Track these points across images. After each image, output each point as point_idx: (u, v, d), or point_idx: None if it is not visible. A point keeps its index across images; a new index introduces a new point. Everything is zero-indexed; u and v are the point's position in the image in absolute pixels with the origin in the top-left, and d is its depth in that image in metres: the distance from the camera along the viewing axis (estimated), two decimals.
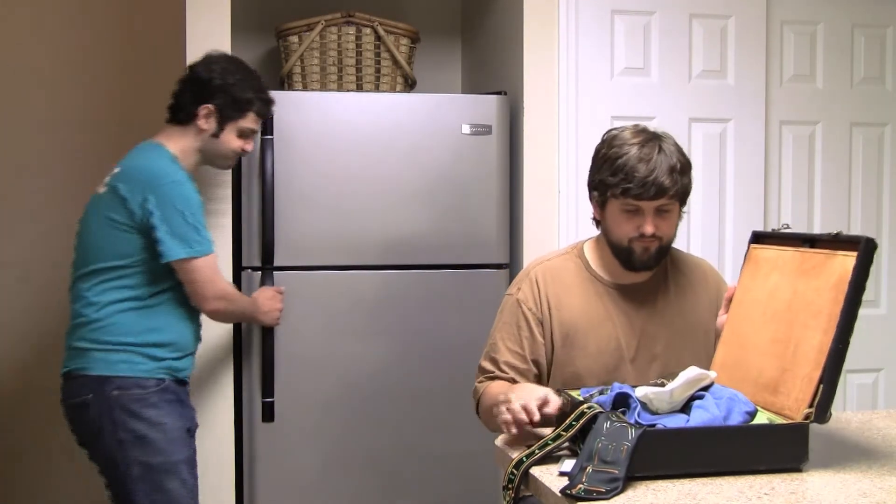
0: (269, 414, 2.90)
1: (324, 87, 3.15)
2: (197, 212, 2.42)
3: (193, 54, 2.85)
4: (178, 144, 2.51)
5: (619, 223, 2.05)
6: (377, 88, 3.17)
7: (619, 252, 2.08)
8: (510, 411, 1.80)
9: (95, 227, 2.45)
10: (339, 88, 3.15)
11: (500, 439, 1.93)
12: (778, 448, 1.64)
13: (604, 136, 2.11)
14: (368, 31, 3.15)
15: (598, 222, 2.15)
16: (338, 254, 2.97)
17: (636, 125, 2.10)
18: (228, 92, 2.51)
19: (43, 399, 3.29)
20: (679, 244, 2.23)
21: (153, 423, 2.40)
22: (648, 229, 2.02)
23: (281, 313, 2.82)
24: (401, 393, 3.02)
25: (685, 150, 2.12)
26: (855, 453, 1.79)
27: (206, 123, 2.51)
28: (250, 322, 2.84)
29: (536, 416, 1.78)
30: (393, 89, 3.19)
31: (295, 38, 3.13)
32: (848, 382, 3.40)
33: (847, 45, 3.36)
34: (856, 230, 3.38)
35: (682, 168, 2.03)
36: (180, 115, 2.53)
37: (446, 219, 3.02)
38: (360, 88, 3.16)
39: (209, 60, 2.56)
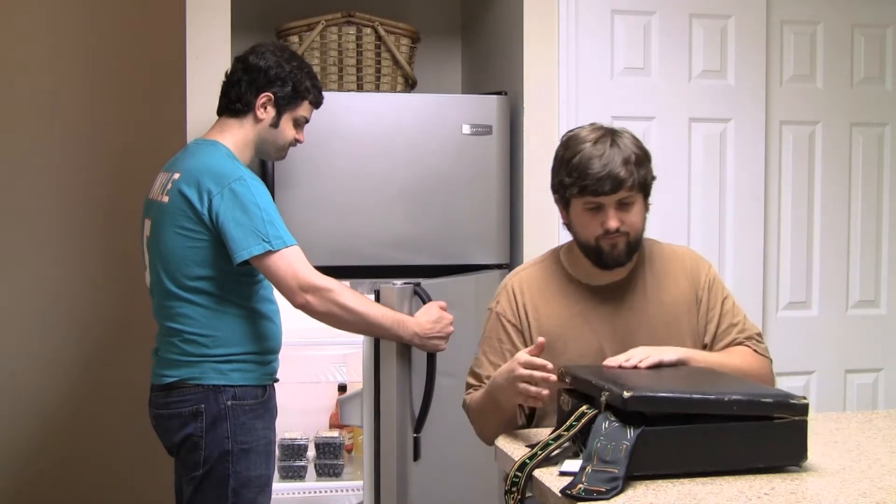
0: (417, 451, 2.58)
1: (324, 87, 3.12)
2: (268, 206, 2.30)
3: (193, 54, 2.85)
4: (235, 137, 2.43)
5: (583, 223, 2.04)
6: (377, 88, 3.17)
7: (589, 252, 2.07)
8: (521, 377, 1.85)
9: (168, 239, 2.34)
10: (340, 88, 3.15)
11: (500, 440, 1.93)
12: (777, 447, 1.64)
13: (562, 137, 2.11)
14: (369, 31, 3.15)
15: (568, 226, 2.14)
16: (337, 253, 2.96)
17: (593, 123, 2.10)
18: (286, 80, 2.44)
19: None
20: (679, 243, 2.23)
21: (260, 436, 2.35)
22: (612, 224, 2.00)
23: (447, 340, 2.45)
24: None
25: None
26: (855, 453, 1.79)
27: (264, 113, 2.44)
28: (399, 341, 2.44)
29: (548, 364, 1.84)
30: (393, 89, 3.19)
31: (295, 38, 3.13)
32: (848, 382, 3.39)
33: (847, 45, 3.35)
34: (856, 230, 3.39)
35: (638, 159, 2.01)
36: (237, 105, 2.44)
37: (446, 219, 3.02)
38: (360, 88, 3.16)
39: (261, 49, 2.47)
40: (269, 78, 2.43)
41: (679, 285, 2.14)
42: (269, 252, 2.26)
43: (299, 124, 2.52)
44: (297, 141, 2.53)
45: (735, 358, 2.05)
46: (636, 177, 2.00)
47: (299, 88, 2.47)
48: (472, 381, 2.18)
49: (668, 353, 1.93)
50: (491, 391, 2.00)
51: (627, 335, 2.08)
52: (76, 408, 3.72)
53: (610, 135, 2.03)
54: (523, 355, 1.88)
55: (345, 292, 2.32)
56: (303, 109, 2.50)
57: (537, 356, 1.87)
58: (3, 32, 3.69)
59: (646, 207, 2.08)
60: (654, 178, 2.08)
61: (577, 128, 2.11)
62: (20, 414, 3.71)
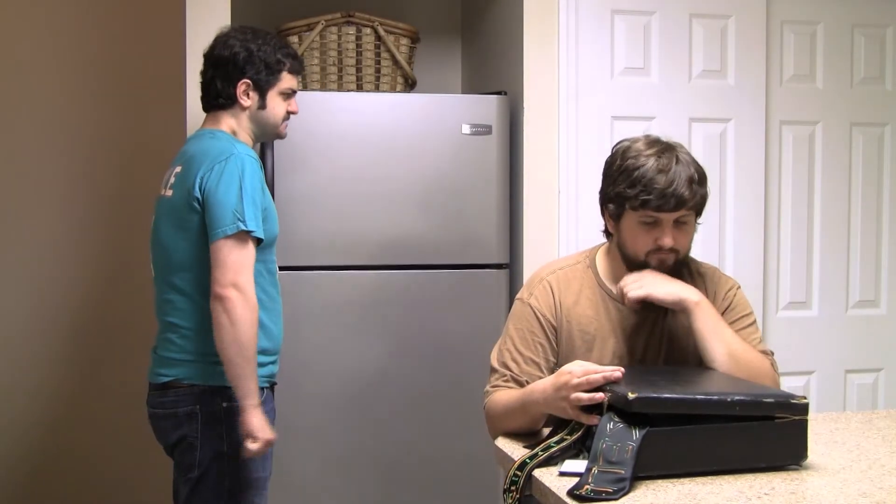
0: None
1: (324, 87, 3.15)
2: (253, 188, 2.26)
3: (193, 54, 2.85)
4: (230, 126, 2.42)
5: (636, 236, 2.00)
6: (377, 88, 3.18)
7: (635, 265, 2.02)
8: (576, 401, 1.73)
9: (170, 233, 2.34)
10: (339, 88, 3.15)
11: (500, 440, 1.93)
12: (778, 446, 1.64)
13: (614, 148, 2.06)
14: (368, 31, 3.16)
15: (609, 235, 2.10)
16: (337, 254, 2.97)
17: (647, 135, 2.06)
18: (256, 61, 2.42)
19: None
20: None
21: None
22: (667, 242, 1.97)
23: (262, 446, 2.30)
24: (401, 393, 3.02)
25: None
26: (855, 453, 1.79)
27: (248, 99, 2.42)
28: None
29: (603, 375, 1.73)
30: (393, 89, 3.19)
31: (295, 38, 3.13)
32: (848, 382, 3.40)
33: (847, 45, 3.36)
34: (856, 230, 3.39)
35: (700, 179, 1.98)
36: (220, 100, 2.43)
37: (446, 219, 3.02)
38: (360, 88, 3.16)
39: (223, 38, 2.46)
40: (239, 65, 2.41)
41: None
42: (242, 233, 2.22)
43: (288, 96, 2.49)
44: (290, 113, 2.51)
45: (740, 343, 1.98)
46: (697, 196, 1.97)
47: (271, 63, 2.43)
48: (499, 368, 2.07)
49: (668, 289, 1.96)
50: (527, 405, 1.91)
51: (649, 352, 2.07)
52: (75, 408, 3.72)
53: (672, 150, 1.99)
54: (579, 367, 1.77)
55: (256, 315, 2.26)
56: (285, 82, 2.47)
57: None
58: (3, 32, 3.69)
59: (695, 227, 2.05)
60: (708, 196, 2.04)
61: (629, 139, 2.05)
62: (19, 414, 3.70)
